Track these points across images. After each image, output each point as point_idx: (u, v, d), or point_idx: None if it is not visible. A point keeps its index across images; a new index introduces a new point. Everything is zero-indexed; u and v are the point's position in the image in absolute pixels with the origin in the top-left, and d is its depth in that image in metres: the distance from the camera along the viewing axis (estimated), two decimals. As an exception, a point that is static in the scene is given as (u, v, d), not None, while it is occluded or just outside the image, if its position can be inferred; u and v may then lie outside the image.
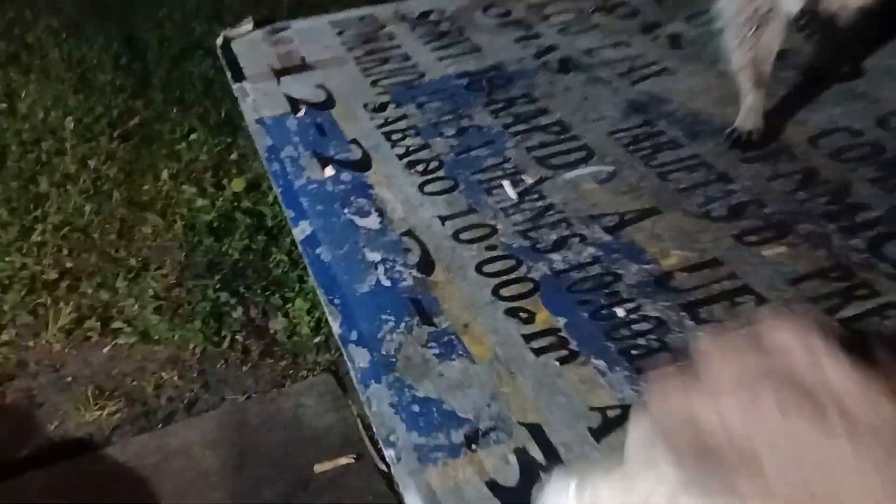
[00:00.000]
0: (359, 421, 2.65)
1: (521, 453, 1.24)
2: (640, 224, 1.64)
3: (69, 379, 3.02)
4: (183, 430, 2.81)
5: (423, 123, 1.98)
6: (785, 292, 1.45)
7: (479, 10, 2.51)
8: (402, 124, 1.99)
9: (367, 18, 2.51)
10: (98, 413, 2.87)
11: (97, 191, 3.70)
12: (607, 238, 1.61)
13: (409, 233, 1.67)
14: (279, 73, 2.19)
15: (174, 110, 4.08)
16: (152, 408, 2.89)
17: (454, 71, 2.18)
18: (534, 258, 1.58)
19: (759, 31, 1.77)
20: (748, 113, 1.81)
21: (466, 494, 1.19)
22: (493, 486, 1.20)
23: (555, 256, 1.58)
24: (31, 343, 3.11)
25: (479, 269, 1.57)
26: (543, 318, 1.46)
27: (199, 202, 3.55)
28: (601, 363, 1.36)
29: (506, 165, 1.82)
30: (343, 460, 2.58)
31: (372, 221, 1.70)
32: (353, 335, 1.46)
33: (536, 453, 1.24)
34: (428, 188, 1.78)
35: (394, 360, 1.40)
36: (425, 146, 1.91)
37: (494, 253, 1.60)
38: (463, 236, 1.65)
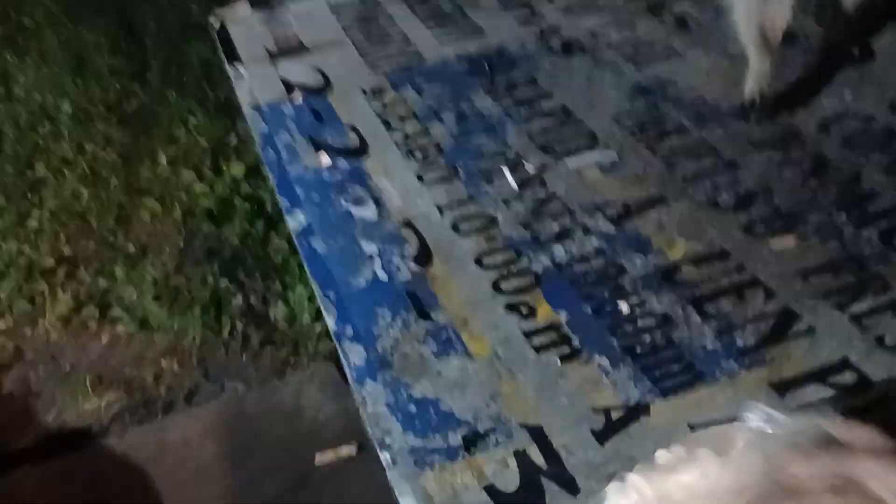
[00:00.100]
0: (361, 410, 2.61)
1: (521, 456, 1.20)
2: (645, 214, 1.58)
3: (67, 368, 2.98)
4: (182, 420, 2.78)
5: (423, 108, 1.93)
6: (794, 286, 1.40)
7: (481, -11, 2.44)
8: (400, 109, 1.93)
9: (367, -1, 2.44)
10: (96, 403, 2.83)
11: (95, 176, 3.65)
12: (611, 229, 1.56)
13: (407, 223, 1.61)
14: (275, 57, 2.13)
15: (173, 94, 4.02)
16: (151, 397, 2.85)
17: (455, 53, 2.12)
18: (535, 250, 1.53)
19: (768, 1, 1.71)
20: (755, 77, 1.75)
21: (464, 500, 1.15)
22: (491, 491, 1.16)
23: (557, 248, 1.53)
24: (28, 331, 3.07)
25: (478, 261, 1.52)
26: (545, 313, 1.41)
27: (198, 187, 3.50)
28: (604, 361, 1.32)
29: (507, 152, 1.77)
30: (345, 450, 2.54)
31: (368, 211, 1.65)
32: (348, 331, 1.41)
33: (537, 456, 1.19)
34: (427, 176, 1.73)
35: (390, 357, 1.36)
36: (424, 132, 1.85)
37: (494, 244, 1.55)
38: (462, 227, 1.60)
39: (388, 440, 1.23)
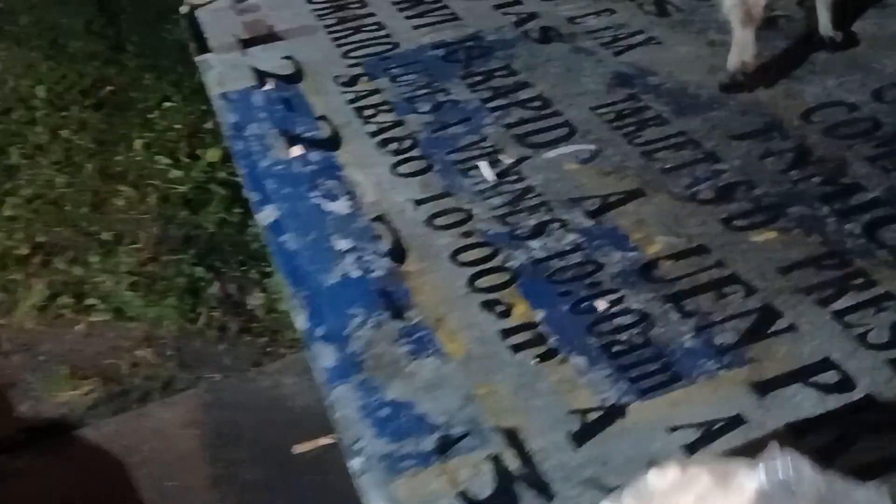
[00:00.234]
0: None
1: (496, 461, 1.16)
2: (623, 208, 1.55)
3: (42, 358, 2.93)
4: (159, 410, 2.74)
5: (397, 98, 1.89)
6: (775, 282, 1.37)
7: (458, -26, 2.39)
8: (374, 99, 1.89)
9: (340, -17, 2.39)
10: (73, 393, 2.78)
11: (69, 162, 3.59)
12: (589, 223, 1.52)
13: (381, 218, 1.58)
14: (246, 44, 2.08)
15: (148, 77, 3.95)
16: (128, 387, 2.81)
17: (430, 41, 2.08)
18: (512, 245, 1.49)
19: None
20: (737, 49, 1.72)
21: (437, 509, 1.12)
22: (465, 498, 1.13)
23: (534, 243, 1.50)
24: (2, 321, 3.02)
25: (453, 257, 1.49)
26: (521, 311, 1.38)
27: (174, 173, 3.44)
28: (582, 361, 1.29)
29: (483, 144, 1.73)
30: (323, 440, 2.50)
31: (341, 206, 1.61)
32: (319, 332, 1.38)
33: (511, 461, 1.16)
34: (401, 169, 1.69)
35: (362, 358, 1.32)
36: (399, 123, 1.81)
37: (470, 240, 1.52)
38: (437, 222, 1.56)
39: (358, 446, 1.19)
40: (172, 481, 2.50)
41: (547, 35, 2.05)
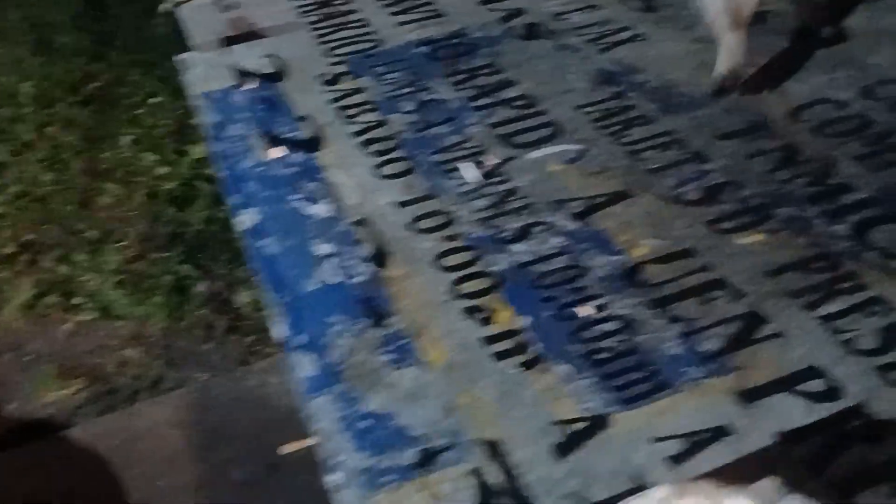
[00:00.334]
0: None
1: (477, 475, 1.14)
2: (609, 209, 1.52)
3: (30, 358, 2.92)
4: (147, 409, 2.73)
5: (381, 97, 1.85)
6: (762, 286, 1.35)
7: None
8: (357, 98, 1.86)
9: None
10: (60, 393, 2.77)
11: (56, 159, 3.57)
12: (574, 226, 1.50)
13: (363, 222, 1.55)
14: (228, 42, 2.04)
15: (136, 72, 3.92)
16: (116, 387, 2.80)
17: (416, 38, 2.04)
18: (495, 249, 1.47)
19: None
20: (726, 54, 1.66)
21: (416, 525, 1.09)
22: (445, 513, 1.10)
23: (518, 247, 1.47)
24: (-11, 320, 3.00)
25: (437, 262, 1.46)
26: (505, 317, 1.35)
27: (161, 170, 3.42)
28: (566, 369, 1.26)
29: (467, 144, 1.70)
30: (310, 441, 2.48)
31: (322, 209, 1.58)
32: (299, 340, 1.35)
33: (493, 475, 1.14)
34: (384, 170, 1.66)
35: (341, 368, 1.30)
36: (382, 123, 1.78)
37: (454, 244, 1.49)
38: (420, 225, 1.53)
39: (336, 460, 1.17)
40: (160, 481, 2.50)
41: (532, 32, 2.02)
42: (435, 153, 1.69)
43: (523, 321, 1.34)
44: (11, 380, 2.85)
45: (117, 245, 3.20)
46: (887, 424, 1.13)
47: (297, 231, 1.54)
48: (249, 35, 2.07)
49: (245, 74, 1.94)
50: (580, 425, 1.19)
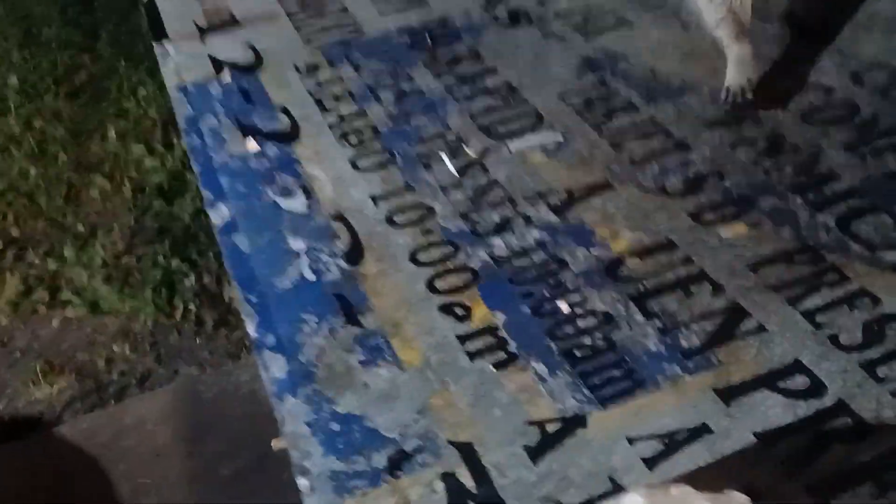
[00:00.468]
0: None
1: (449, 478, 1.11)
2: (590, 201, 1.49)
3: (17, 354, 2.90)
4: (136, 405, 2.71)
5: (359, 87, 1.82)
6: (744, 279, 1.31)
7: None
8: (336, 88, 1.82)
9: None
10: (48, 389, 2.74)
11: (43, 153, 3.54)
12: (554, 219, 1.46)
13: (339, 216, 1.51)
14: (205, 32, 2.00)
15: (123, 64, 3.88)
16: (104, 383, 2.78)
17: (396, 25, 2.00)
18: (473, 243, 1.43)
19: None
20: (737, 67, 1.62)
21: (385, 532, 1.06)
22: (416, 519, 1.07)
23: (496, 241, 1.43)
24: (-24, 317, 2.98)
25: (413, 257, 1.43)
26: (481, 314, 1.32)
27: (149, 162, 3.39)
28: (542, 367, 1.23)
29: (447, 135, 1.67)
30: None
31: (297, 203, 1.55)
32: (270, 339, 1.32)
33: (466, 478, 1.11)
34: (361, 163, 1.63)
35: (314, 368, 1.27)
36: (360, 114, 1.75)
37: (431, 238, 1.46)
38: (397, 219, 1.50)
39: (307, 464, 1.14)
40: (150, 477, 2.48)
41: (516, 18, 1.98)
42: (414, 145, 1.66)
43: (499, 318, 1.30)
44: (-1, 377, 2.82)
45: (105, 239, 3.16)
46: (869, 423, 1.10)
47: (270, 227, 1.50)
48: (227, 24, 2.03)
49: (222, 65, 1.90)
50: (556, 426, 1.16)
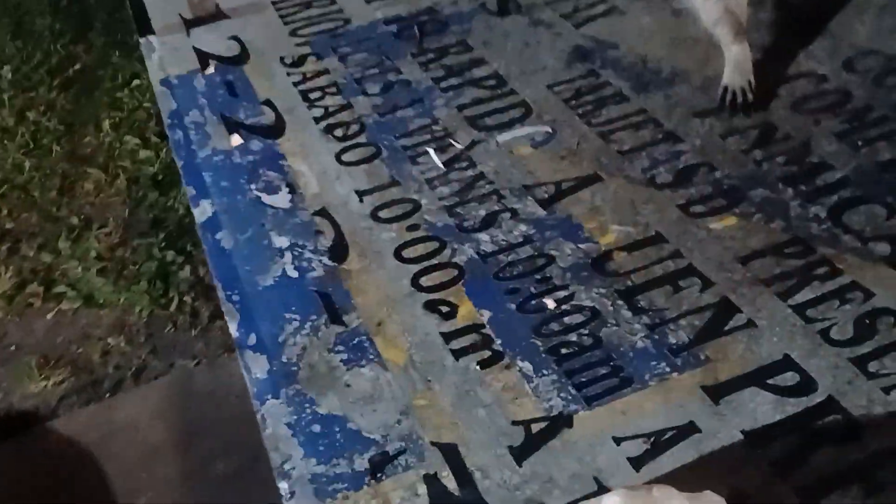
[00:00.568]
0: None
1: (432, 481, 1.09)
2: (578, 194, 1.46)
3: (12, 348, 2.88)
4: (130, 400, 2.69)
5: (346, 79, 1.79)
6: (734, 273, 1.29)
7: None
8: (321, 81, 1.80)
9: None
10: (43, 384, 2.72)
11: (37, 145, 3.51)
12: (541, 212, 1.44)
13: (323, 212, 1.49)
14: (190, 24, 1.97)
15: (116, 54, 3.85)
16: (99, 377, 2.76)
17: (384, 15, 1.97)
18: (459, 239, 1.41)
19: None
20: (736, 67, 1.59)
21: (366, 537, 1.04)
22: (397, 523, 1.05)
23: (482, 236, 1.41)
24: (-30, 311, 2.96)
25: (398, 254, 1.41)
26: (466, 311, 1.30)
27: (143, 154, 3.36)
28: (527, 366, 1.21)
29: (434, 128, 1.64)
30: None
31: (281, 199, 1.52)
32: (252, 339, 1.30)
33: (449, 480, 1.09)
34: (346, 157, 1.60)
35: (295, 368, 1.25)
36: (346, 106, 1.72)
37: (416, 234, 1.43)
38: (382, 214, 1.48)
39: (287, 466, 1.12)
40: (144, 473, 2.46)
41: (505, 7, 1.95)
42: (400, 138, 1.63)
43: (484, 315, 1.28)
44: (-6, 372, 2.81)
45: (99, 231, 3.14)
46: (859, 420, 1.07)
47: (253, 223, 1.48)
48: (213, 17, 2.00)
49: (207, 57, 1.87)
50: (541, 425, 1.14)
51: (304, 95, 1.75)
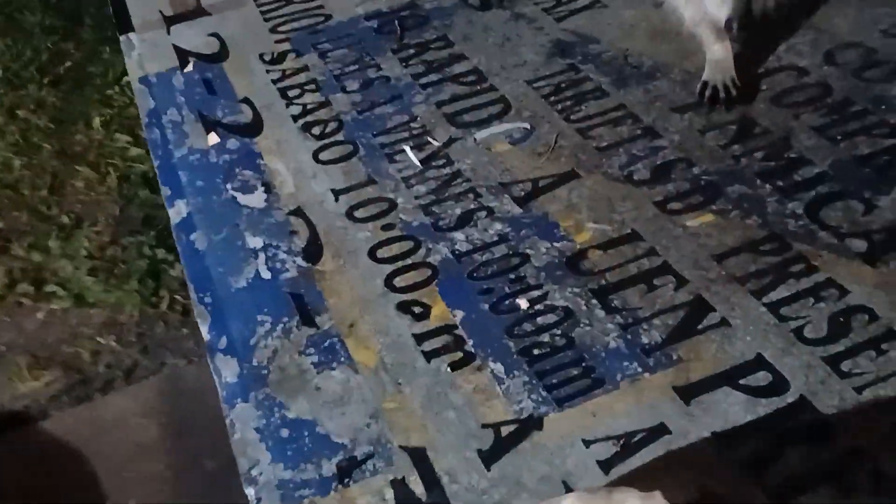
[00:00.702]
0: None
1: (400, 486, 1.08)
2: (555, 192, 1.45)
3: (2, 348, 2.87)
4: (120, 399, 2.68)
5: (325, 76, 1.78)
6: (708, 271, 1.27)
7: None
8: (300, 78, 1.78)
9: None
10: (33, 384, 2.72)
11: (27, 143, 3.50)
12: (517, 210, 1.42)
13: (298, 211, 1.48)
14: (170, 21, 1.96)
15: (107, 50, 3.84)
16: (90, 376, 2.75)
17: (365, 10, 1.96)
18: (434, 238, 1.40)
19: None
20: (717, 66, 1.58)
21: (331, 543, 1.03)
22: (364, 529, 1.04)
23: (458, 235, 1.40)
24: (-40, 311, 2.95)
25: (372, 253, 1.39)
26: (439, 312, 1.28)
27: (134, 151, 3.35)
28: (499, 367, 1.19)
29: (412, 125, 1.63)
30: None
31: (256, 199, 1.51)
32: (223, 342, 1.28)
33: (417, 485, 1.08)
34: (323, 155, 1.59)
35: (266, 371, 1.23)
36: (325, 104, 1.71)
37: (391, 233, 1.42)
38: (358, 213, 1.46)
39: (254, 472, 1.11)
40: (135, 472, 2.45)
41: (487, 1, 1.93)
42: (377, 135, 1.62)
43: (457, 316, 1.27)
44: (-16, 371, 2.81)
45: (89, 230, 3.13)
46: (830, 420, 1.06)
47: (227, 224, 1.47)
48: (193, 13, 1.99)
49: (187, 55, 1.86)
50: (510, 428, 1.12)
51: (283, 93, 1.74)
